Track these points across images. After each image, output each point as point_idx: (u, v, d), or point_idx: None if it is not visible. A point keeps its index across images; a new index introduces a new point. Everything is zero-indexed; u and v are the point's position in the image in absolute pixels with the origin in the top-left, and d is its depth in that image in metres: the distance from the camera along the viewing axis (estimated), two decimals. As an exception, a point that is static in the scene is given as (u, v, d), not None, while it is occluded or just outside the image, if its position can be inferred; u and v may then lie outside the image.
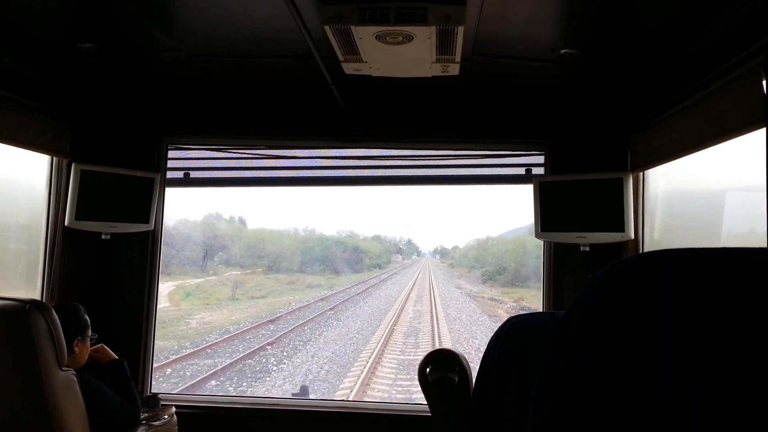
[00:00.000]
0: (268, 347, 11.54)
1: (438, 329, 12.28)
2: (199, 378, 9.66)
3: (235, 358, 10.91)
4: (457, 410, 2.27)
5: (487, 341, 1.93)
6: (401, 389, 9.11)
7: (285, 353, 11.17)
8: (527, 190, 3.73)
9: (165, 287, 16.57)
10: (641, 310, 0.71)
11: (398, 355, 10.64)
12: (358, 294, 18.20)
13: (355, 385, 9.17)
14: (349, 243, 30.69)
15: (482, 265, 26.03)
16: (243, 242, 25.27)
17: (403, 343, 11.24)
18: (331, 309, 15.98)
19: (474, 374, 2.36)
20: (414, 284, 20.94)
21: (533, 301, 17.21)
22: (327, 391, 9.56)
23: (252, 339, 12.32)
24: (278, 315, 14.94)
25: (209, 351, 11.40)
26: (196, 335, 13.57)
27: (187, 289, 18.37)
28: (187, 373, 10.21)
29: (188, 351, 11.39)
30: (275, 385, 9.54)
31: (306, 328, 13.27)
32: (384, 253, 35.29)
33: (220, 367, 10.35)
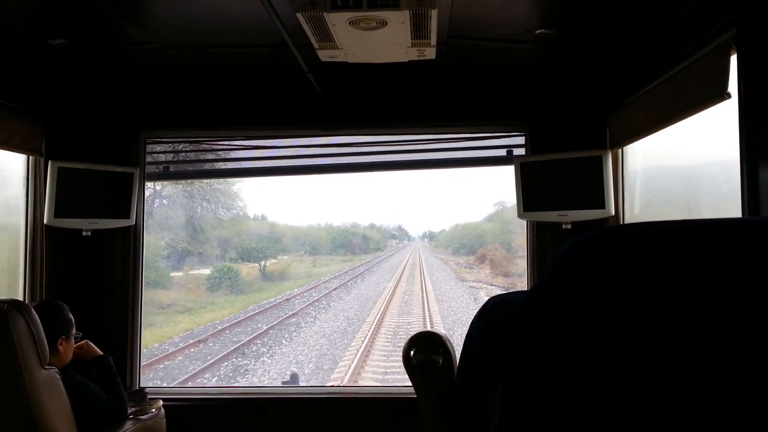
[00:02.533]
0: (371, 268, 28.37)
1: (422, 266, 28.42)
2: (362, 271, 26.77)
3: (365, 270, 27.07)
4: (441, 391, 2.29)
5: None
6: (410, 275, 23.72)
7: (376, 269, 27.83)
8: (506, 178, 3.76)
9: (267, 263, 27.07)
10: (598, 288, 0.71)
11: (411, 268, 27.57)
12: (382, 260, 33.58)
13: (400, 273, 23.66)
14: (358, 232, 41.76)
15: (453, 244, 39.56)
16: (290, 236, 34.77)
17: (410, 268, 27.79)
18: (378, 264, 31.25)
19: (458, 355, 2.38)
20: (410, 256, 35.80)
21: (473, 260, 30.45)
22: (389, 277, 23.26)
23: (359, 269, 27.79)
24: (359, 265, 30.07)
25: (349, 271, 27.00)
26: (326, 273, 25.89)
27: (285, 263, 28.82)
28: (354, 270, 26.83)
29: (343, 272, 25.89)
30: (381, 274, 24.96)
31: (376, 267, 29.24)
32: (382, 239, 45.73)
33: (362, 271, 26.31)
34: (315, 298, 17.94)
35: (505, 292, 2.78)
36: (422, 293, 18.31)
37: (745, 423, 0.66)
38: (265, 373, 10.17)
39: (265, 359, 10.92)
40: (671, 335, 0.69)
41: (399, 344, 11.53)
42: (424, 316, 14.41)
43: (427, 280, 22.12)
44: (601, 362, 0.70)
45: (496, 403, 0.86)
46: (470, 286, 20.69)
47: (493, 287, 20.26)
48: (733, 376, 0.66)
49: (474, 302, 17.16)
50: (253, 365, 10.52)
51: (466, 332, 1.97)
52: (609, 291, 0.71)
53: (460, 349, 2.43)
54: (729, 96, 2.22)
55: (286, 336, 12.80)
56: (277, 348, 11.76)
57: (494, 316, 2.04)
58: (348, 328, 13.63)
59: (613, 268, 0.72)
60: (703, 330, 0.68)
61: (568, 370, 0.72)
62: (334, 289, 20.30)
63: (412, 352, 2.38)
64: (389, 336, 12.39)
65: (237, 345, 11.61)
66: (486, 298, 2.76)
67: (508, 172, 3.75)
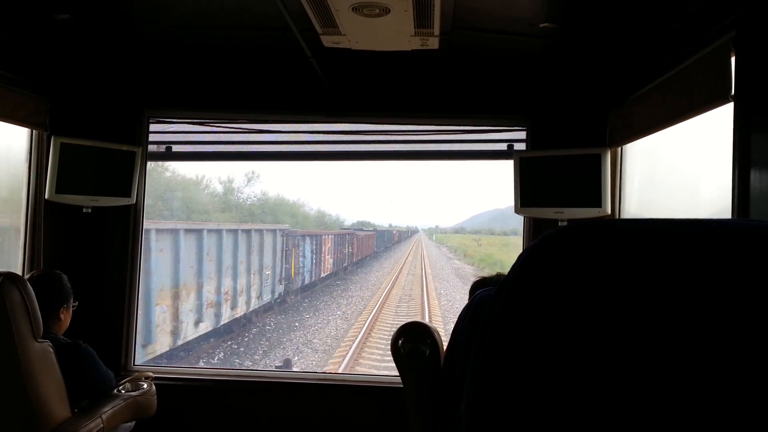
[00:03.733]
0: (409, 238, 52.63)
1: (423, 245, 43.20)
2: (405, 238, 51.89)
3: (406, 239, 51.04)
4: (427, 381, 2.31)
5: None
6: (415, 250, 38.79)
7: (395, 248, 40.49)
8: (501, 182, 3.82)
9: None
10: (562, 282, 0.72)
11: (415, 247, 42.09)
12: (397, 245, 44.56)
13: (408, 251, 38.29)
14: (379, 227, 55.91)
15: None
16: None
17: (415, 248, 41.59)
18: (396, 245, 42.74)
19: (445, 347, 2.40)
20: (415, 243, 49.41)
21: (454, 243, 46.22)
22: (399, 256, 34.84)
23: (403, 241, 48.32)
24: (404, 240, 49.09)
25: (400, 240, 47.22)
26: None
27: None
28: (402, 240, 48.83)
29: (400, 241, 46.58)
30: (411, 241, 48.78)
31: (394, 247, 40.58)
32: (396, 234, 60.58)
33: (405, 238, 50.56)
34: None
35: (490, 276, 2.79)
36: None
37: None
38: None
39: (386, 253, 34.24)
40: (629, 334, 0.70)
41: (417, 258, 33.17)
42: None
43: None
44: (561, 357, 0.71)
45: (465, 390, 0.87)
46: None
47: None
48: (686, 378, 0.67)
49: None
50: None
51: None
52: (573, 285, 0.72)
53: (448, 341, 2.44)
54: (733, 98, 2.22)
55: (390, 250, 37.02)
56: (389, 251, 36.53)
57: (479, 312, 2.05)
58: (406, 246, 43.49)
59: (578, 262, 0.73)
60: (665, 332, 0.69)
61: (530, 361, 0.73)
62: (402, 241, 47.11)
63: (400, 342, 2.40)
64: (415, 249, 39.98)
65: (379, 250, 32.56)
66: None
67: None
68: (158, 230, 9.50)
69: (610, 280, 0.71)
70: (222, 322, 11.23)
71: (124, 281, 3.83)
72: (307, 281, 17.02)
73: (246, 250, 12.42)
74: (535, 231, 3.69)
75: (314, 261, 17.60)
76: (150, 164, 4.06)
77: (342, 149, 4.10)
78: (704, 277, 0.69)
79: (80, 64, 3.75)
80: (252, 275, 12.59)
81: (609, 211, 3.38)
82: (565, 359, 0.71)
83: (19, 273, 3.44)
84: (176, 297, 9.86)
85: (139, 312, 4.02)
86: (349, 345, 11.14)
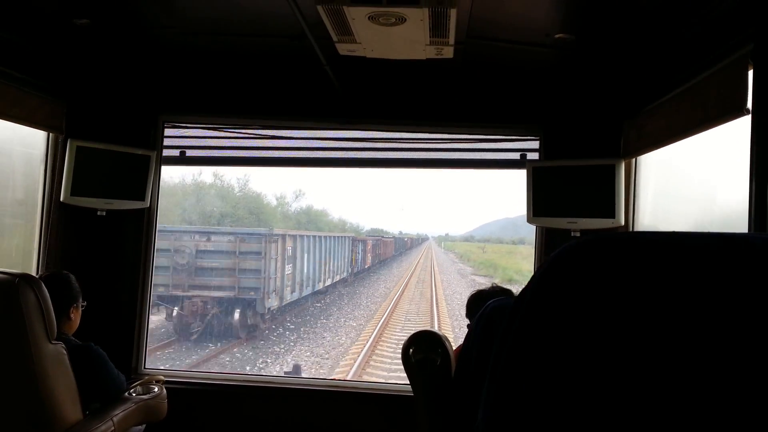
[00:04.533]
0: (419, 245, 59.98)
1: (432, 251, 51.53)
2: (417, 245, 60.11)
3: (418, 245, 60.00)
4: (438, 390, 2.30)
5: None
6: (426, 255, 47.78)
7: (408, 253, 48.07)
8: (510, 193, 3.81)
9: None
10: (579, 296, 0.72)
11: (425, 253, 49.86)
12: (409, 251, 49.94)
13: (419, 256, 46.60)
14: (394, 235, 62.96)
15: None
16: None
17: (425, 253, 50.03)
18: (408, 250, 48.45)
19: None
20: (425, 249, 55.70)
21: (461, 251, 53.17)
22: (413, 260, 42.79)
23: (417, 246, 58.12)
24: (417, 246, 57.58)
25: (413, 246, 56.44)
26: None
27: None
28: (415, 246, 57.77)
29: (414, 247, 56.45)
30: (413, 256, 46.98)
31: (407, 252, 47.49)
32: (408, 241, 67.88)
33: (417, 245, 58.92)
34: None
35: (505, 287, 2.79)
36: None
37: None
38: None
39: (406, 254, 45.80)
40: (650, 347, 0.69)
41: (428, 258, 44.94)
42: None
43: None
44: (582, 369, 0.71)
45: (482, 398, 0.87)
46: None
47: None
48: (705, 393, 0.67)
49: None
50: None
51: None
52: (594, 298, 0.72)
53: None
54: (748, 112, 2.20)
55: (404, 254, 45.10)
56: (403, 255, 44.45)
57: (493, 320, 2.05)
58: (417, 252, 51.08)
59: (599, 276, 0.73)
60: (689, 348, 0.68)
61: (550, 373, 0.73)
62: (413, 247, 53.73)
63: (411, 351, 2.40)
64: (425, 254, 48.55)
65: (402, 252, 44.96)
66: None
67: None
68: (299, 236, 18.64)
69: (631, 295, 0.70)
70: (334, 281, 22.63)
71: (137, 284, 3.85)
72: (359, 269, 27.83)
73: (337, 248, 22.93)
74: (546, 240, 3.67)
75: (362, 257, 28.40)
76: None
77: (354, 156, 4.11)
78: (728, 291, 0.68)
79: (97, 68, 3.79)
80: (338, 261, 23.52)
81: (623, 222, 3.36)
82: (587, 372, 0.71)
83: (34, 274, 3.47)
84: (324, 264, 20.66)
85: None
86: (392, 297, 21.37)
